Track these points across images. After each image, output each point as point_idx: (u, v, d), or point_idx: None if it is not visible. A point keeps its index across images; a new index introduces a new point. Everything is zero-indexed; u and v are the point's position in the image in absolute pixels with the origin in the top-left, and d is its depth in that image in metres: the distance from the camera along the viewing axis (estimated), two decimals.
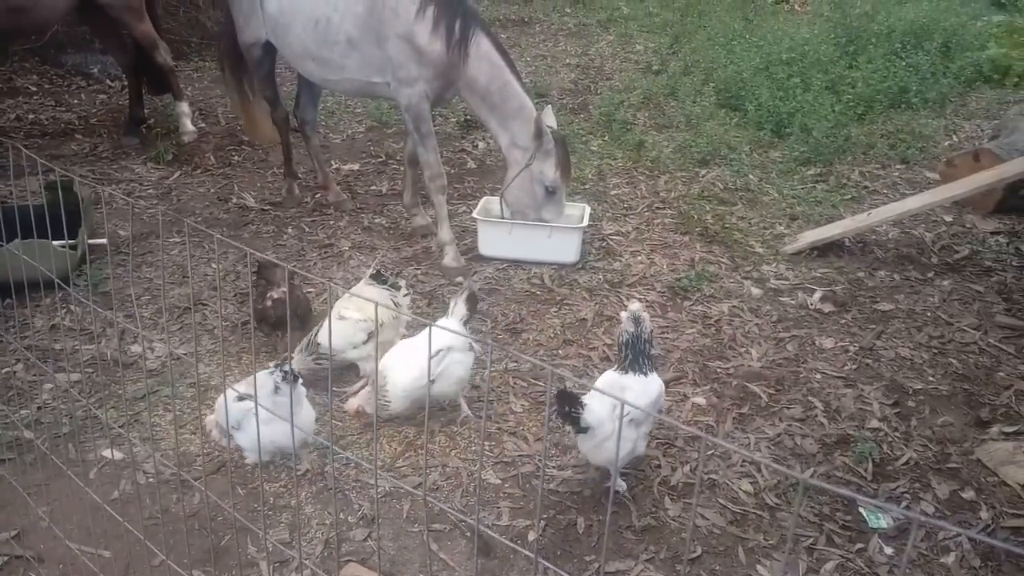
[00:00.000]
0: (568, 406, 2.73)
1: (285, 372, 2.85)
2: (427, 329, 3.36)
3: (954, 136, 6.65)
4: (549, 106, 4.62)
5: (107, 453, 3.16)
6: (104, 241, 4.50)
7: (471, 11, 4.30)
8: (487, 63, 4.29)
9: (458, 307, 3.35)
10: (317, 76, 4.69)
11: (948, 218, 5.27)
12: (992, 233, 5.08)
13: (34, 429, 3.20)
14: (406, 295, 3.77)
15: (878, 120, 6.73)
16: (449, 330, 2.97)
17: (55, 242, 4.00)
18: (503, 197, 4.63)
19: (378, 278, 3.65)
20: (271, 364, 2.99)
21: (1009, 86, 7.74)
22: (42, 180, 4.34)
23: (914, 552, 2.80)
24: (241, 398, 2.85)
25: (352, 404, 3.31)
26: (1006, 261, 4.73)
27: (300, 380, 2.96)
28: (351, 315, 3.46)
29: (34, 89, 7.62)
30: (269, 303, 3.62)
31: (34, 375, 3.62)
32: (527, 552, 1.56)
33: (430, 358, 3.15)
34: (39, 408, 3.40)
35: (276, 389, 2.84)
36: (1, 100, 7.24)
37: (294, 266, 4.52)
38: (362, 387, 3.50)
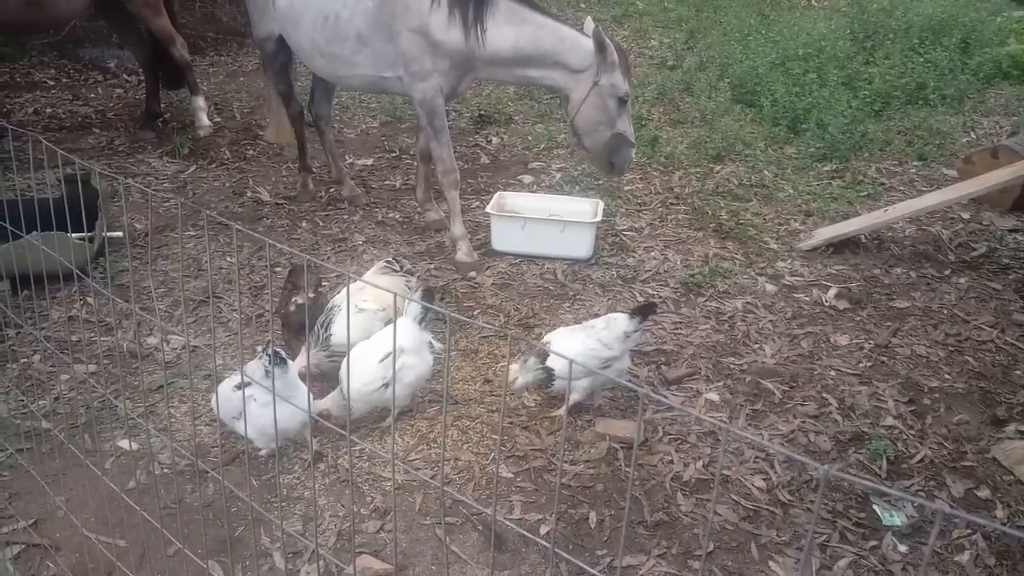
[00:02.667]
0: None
1: (271, 355, 2.81)
2: (387, 328, 3.27)
3: (972, 133, 6.59)
4: (589, 18, 4.42)
5: (123, 443, 3.19)
6: (121, 234, 4.53)
7: None
8: (508, 28, 4.15)
9: (411, 306, 3.21)
10: (327, 72, 4.68)
11: (965, 215, 5.22)
12: (1010, 230, 5.03)
13: (51, 419, 3.24)
14: (419, 282, 3.79)
15: (895, 116, 6.67)
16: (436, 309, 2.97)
17: (73, 234, 4.05)
18: (572, 124, 4.39)
19: (392, 266, 3.66)
20: (258, 348, 2.99)
21: None
22: (61, 173, 4.38)
23: (934, 546, 2.79)
24: (238, 387, 2.86)
25: (319, 406, 3.18)
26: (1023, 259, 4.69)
27: (288, 363, 2.95)
28: (369, 306, 3.45)
29: (52, 83, 7.68)
30: (293, 307, 3.59)
31: (51, 366, 3.66)
32: (543, 543, 1.56)
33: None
34: (56, 398, 3.44)
35: (266, 374, 2.80)
36: (19, 94, 7.31)
37: (308, 259, 4.55)
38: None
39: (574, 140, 4.59)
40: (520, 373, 3.25)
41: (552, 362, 3.20)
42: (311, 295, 3.58)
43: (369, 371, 3.11)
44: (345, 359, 3.23)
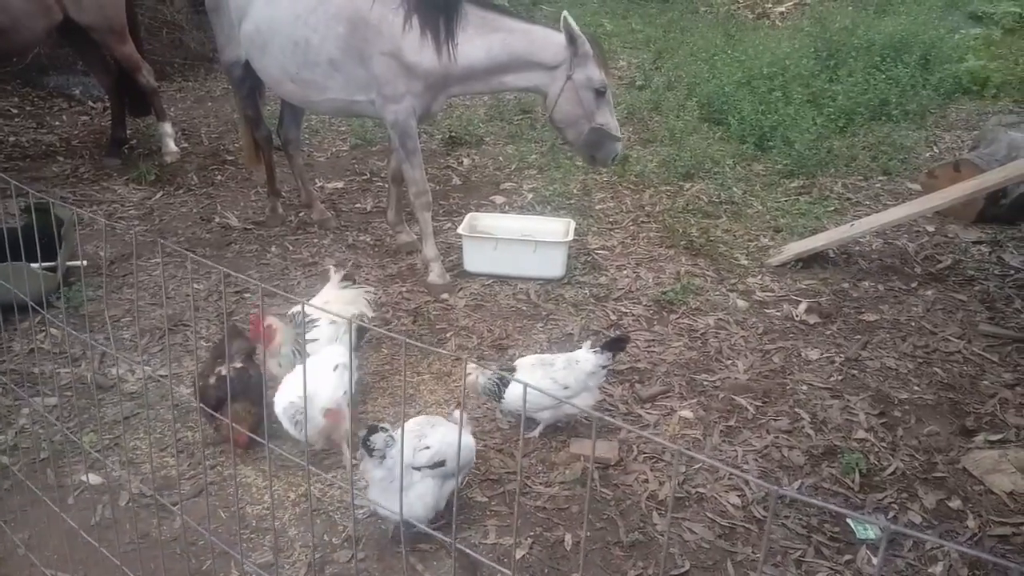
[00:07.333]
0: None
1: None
2: (327, 347, 3.30)
3: (935, 147, 6.71)
4: (565, 11, 4.30)
5: (85, 478, 3.10)
6: (80, 263, 4.45)
7: (451, 2, 4.11)
8: (480, 39, 4.14)
9: (344, 337, 3.29)
10: (297, 97, 4.63)
11: (930, 228, 5.30)
12: (974, 242, 5.11)
13: (11, 455, 3.15)
14: (368, 292, 3.87)
15: (859, 132, 6.78)
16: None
17: (34, 264, 3.96)
18: (551, 119, 4.37)
19: (347, 279, 3.71)
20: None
21: (987, 97, 7.81)
22: (21, 203, 4.30)
23: (900, 563, 2.79)
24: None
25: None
26: (988, 270, 4.76)
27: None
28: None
29: (16, 111, 7.57)
30: (213, 380, 3.16)
31: (12, 400, 3.56)
32: (505, 571, 1.53)
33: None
34: (17, 433, 3.35)
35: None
36: None
37: (275, 285, 4.49)
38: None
39: (556, 135, 4.57)
40: (480, 375, 3.27)
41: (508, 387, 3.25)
42: (238, 366, 3.24)
43: (329, 381, 3.10)
44: (301, 370, 3.20)
